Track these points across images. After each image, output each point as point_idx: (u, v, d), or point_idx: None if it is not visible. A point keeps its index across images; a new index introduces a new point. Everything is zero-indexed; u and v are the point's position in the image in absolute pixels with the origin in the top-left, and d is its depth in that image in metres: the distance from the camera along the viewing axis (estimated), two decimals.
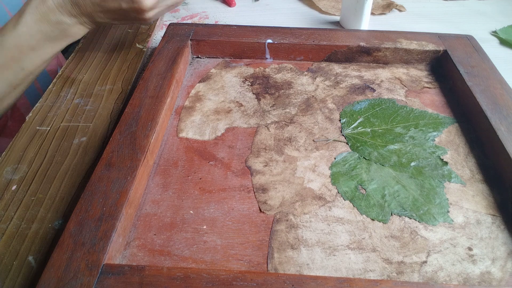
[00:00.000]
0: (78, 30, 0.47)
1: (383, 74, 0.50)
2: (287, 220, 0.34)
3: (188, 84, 0.49)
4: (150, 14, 0.46)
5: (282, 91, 0.48)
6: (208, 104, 0.46)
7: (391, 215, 0.34)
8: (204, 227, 0.34)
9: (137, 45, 0.57)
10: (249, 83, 0.49)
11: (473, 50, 0.49)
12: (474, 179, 0.37)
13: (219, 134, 0.42)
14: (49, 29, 0.44)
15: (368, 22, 0.58)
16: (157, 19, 0.56)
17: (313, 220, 0.34)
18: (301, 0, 0.70)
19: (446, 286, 0.28)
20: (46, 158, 0.41)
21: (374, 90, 0.48)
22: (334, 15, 0.65)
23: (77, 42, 0.57)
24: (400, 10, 0.67)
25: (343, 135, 0.42)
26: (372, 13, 0.65)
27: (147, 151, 0.37)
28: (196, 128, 0.43)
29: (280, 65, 0.52)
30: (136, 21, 0.47)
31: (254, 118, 0.44)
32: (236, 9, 0.68)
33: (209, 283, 0.27)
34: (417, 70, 0.51)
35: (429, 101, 0.46)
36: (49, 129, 0.44)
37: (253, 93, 0.48)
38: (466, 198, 0.36)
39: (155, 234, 0.33)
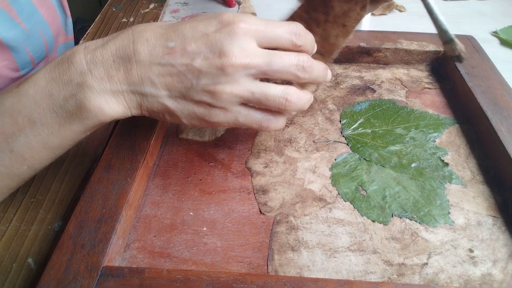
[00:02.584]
0: (107, 109, 0.30)
1: (384, 74, 0.50)
2: (288, 222, 0.34)
3: None
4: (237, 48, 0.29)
5: None
6: None
7: (392, 216, 0.34)
8: (204, 228, 0.34)
9: None
10: None
11: (473, 50, 0.49)
12: (475, 180, 0.37)
13: (219, 135, 0.42)
14: (62, 95, 0.29)
15: (368, 22, 0.58)
16: None
17: (314, 221, 0.34)
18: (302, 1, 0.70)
19: None
20: None
21: (375, 91, 0.48)
22: None
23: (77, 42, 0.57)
24: (400, 11, 0.67)
25: (343, 136, 0.42)
26: (372, 14, 0.65)
27: (146, 153, 0.36)
28: (196, 129, 0.43)
29: None
30: (218, 68, 0.29)
31: None
32: (236, 9, 0.68)
33: (209, 285, 0.27)
34: (417, 70, 0.51)
35: (430, 101, 0.46)
36: None
37: None
38: (467, 200, 0.36)
39: (155, 236, 0.33)
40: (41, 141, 0.30)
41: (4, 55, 0.41)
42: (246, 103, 0.31)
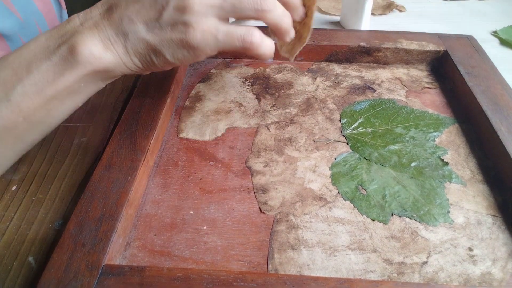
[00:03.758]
0: (97, 53, 0.31)
1: (384, 74, 0.50)
2: (288, 221, 0.34)
3: (188, 84, 0.49)
4: (199, 27, 0.32)
5: (282, 91, 0.48)
6: (208, 105, 0.46)
7: (392, 215, 0.34)
8: (205, 227, 0.34)
9: None
10: (249, 83, 0.49)
11: (473, 50, 0.49)
12: (474, 180, 0.37)
13: (219, 134, 0.42)
14: (57, 44, 0.31)
15: (368, 22, 0.58)
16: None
17: (314, 220, 0.34)
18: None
19: (446, 286, 0.28)
20: (46, 159, 0.41)
21: (375, 91, 0.48)
22: (335, 15, 0.65)
23: None
24: (400, 11, 0.67)
25: (343, 135, 0.42)
26: (372, 14, 0.65)
27: (147, 152, 0.36)
28: (196, 128, 0.43)
29: (280, 65, 0.52)
30: (179, 34, 0.32)
31: (254, 119, 0.44)
32: None
33: (209, 283, 0.27)
34: (417, 70, 0.51)
35: (430, 101, 0.46)
36: None
37: (253, 93, 0.48)
38: (467, 199, 0.36)
39: (155, 235, 0.33)
40: (37, 90, 0.31)
41: (0, 44, 0.41)
42: (222, 16, 0.32)
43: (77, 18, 0.33)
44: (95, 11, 0.33)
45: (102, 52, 0.32)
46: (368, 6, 0.56)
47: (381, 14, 0.65)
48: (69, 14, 0.57)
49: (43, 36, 0.32)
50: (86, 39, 0.31)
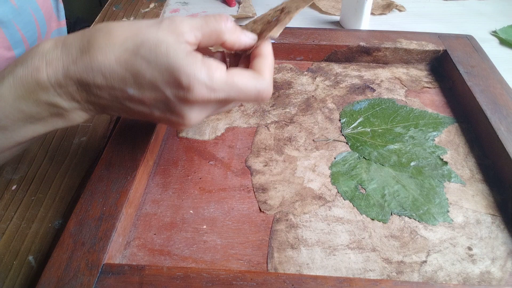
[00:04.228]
0: (76, 117, 0.31)
1: (383, 74, 0.50)
2: (287, 220, 0.34)
3: None
4: (193, 114, 0.30)
5: (282, 91, 0.48)
6: None
7: (391, 214, 0.34)
8: (204, 226, 0.34)
9: None
10: None
11: (473, 50, 0.49)
12: (474, 179, 0.37)
13: (219, 134, 0.42)
14: (35, 111, 0.29)
15: (368, 22, 0.58)
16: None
17: (313, 219, 0.34)
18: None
19: (446, 285, 0.28)
20: (46, 158, 0.41)
21: (374, 90, 0.48)
22: (334, 15, 0.65)
23: None
24: (400, 10, 0.67)
25: (343, 135, 0.42)
26: (372, 13, 0.65)
27: (147, 151, 0.37)
28: (196, 128, 0.43)
29: (280, 65, 0.52)
30: (171, 117, 0.30)
31: (254, 118, 0.44)
32: (236, 9, 0.68)
33: (209, 282, 0.27)
34: (417, 70, 0.51)
35: (429, 101, 0.46)
36: None
37: None
38: (466, 198, 0.36)
39: (155, 234, 0.33)
40: (12, 140, 0.31)
41: None
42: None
43: (47, 79, 0.28)
44: (69, 77, 0.29)
45: (85, 117, 0.31)
46: (368, 6, 0.56)
47: (380, 14, 0.66)
48: (65, 7, 0.58)
49: (8, 94, 0.29)
50: (71, 113, 0.30)
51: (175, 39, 0.28)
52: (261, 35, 0.33)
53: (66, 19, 0.58)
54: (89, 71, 0.28)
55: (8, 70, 0.29)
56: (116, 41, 0.28)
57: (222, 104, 0.32)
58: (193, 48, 0.29)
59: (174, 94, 0.28)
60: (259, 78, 0.30)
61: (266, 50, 0.32)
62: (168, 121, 0.31)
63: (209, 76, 0.28)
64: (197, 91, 0.28)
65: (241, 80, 0.29)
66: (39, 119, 0.30)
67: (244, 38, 0.32)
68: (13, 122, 0.29)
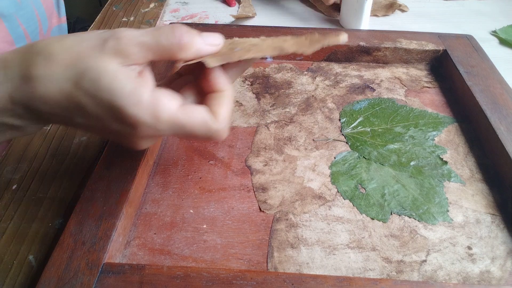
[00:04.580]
0: (32, 129, 0.30)
1: (383, 73, 0.50)
2: (287, 219, 0.34)
3: None
4: (142, 144, 0.30)
5: (282, 90, 0.48)
6: None
7: (391, 214, 0.34)
8: (204, 226, 0.34)
9: None
10: (249, 83, 0.49)
11: (472, 50, 0.49)
12: (473, 179, 0.37)
13: None
14: None
15: (368, 21, 0.58)
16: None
17: (313, 219, 0.34)
18: (303, 2, 0.70)
19: (445, 285, 0.28)
20: (47, 158, 0.41)
21: (374, 90, 0.48)
22: (335, 15, 0.65)
23: None
24: (403, 11, 0.67)
25: (343, 134, 0.42)
26: (375, 15, 0.65)
27: (147, 151, 0.37)
28: None
29: (280, 65, 0.52)
30: (122, 143, 0.30)
31: (254, 118, 0.44)
32: (236, 9, 0.68)
33: (209, 282, 0.27)
34: (416, 69, 0.51)
35: (429, 100, 0.46)
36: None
37: (253, 93, 0.48)
38: (466, 197, 0.36)
39: (155, 233, 0.33)
40: None
41: None
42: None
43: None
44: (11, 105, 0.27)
45: (37, 127, 0.30)
46: (368, 6, 0.56)
47: (384, 15, 0.65)
48: (65, 6, 0.58)
49: None
50: (26, 128, 0.30)
51: (120, 64, 0.26)
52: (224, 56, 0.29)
53: (67, 18, 0.59)
54: (33, 100, 0.27)
55: None
56: (57, 70, 0.26)
57: (169, 135, 0.30)
58: (141, 69, 0.27)
59: (120, 128, 0.28)
60: (212, 121, 0.28)
61: (224, 84, 0.29)
62: (122, 144, 0.30)
63: (155, 118, 0.26)
64: (142, 131, 0.27)
65: (190, 122, 0.28)
66: None
67: (206, 48, 0.29)
68: None
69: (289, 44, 0.32)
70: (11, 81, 0.27)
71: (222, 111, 0.29)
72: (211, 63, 0.28)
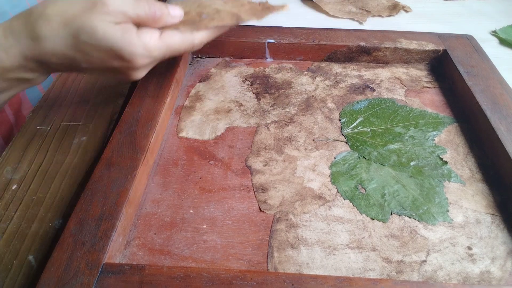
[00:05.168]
0: (42, 79, 0.38)
1: (383, 73, 0.50)
2: (287, 220, 0.34)
3: (188, 84, 0.49)
4: (139, 74, 0.37)
5: (282, 90, 0.48)
6: (208, 104, 0.46)
7: (391, 214, 0.34)
8: (204, 226, 0.34)
9: None
10: (249, 83, 0.49)
11: (473, 50, 0.49)
12: (473, 179, 0.37)
13: (219, 133, 0.42)
14: (6, 85, 0.36)
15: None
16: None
17: (313, 219, 0.34)
18: (306, 3, 0.70)
19: (445, 285, 0.28)
20: (46, 158, 0.41)
21: (374, 90, 0.48)
22: (343, 18, 0.65)
23: None
24: (406, 11, 0.67)
25: (343, 134, 0.42)
26: (379, 15, 0.65)
27: (147, 151, 0.37)
28: (196, 127, 0.43)
29: (280, 65, 0.52)
30: (122, 77, 0.38)
31: (254, 118, 0.44)
32: None
33: (209, 282, 0.27)
34: (417, 69, 0.51)
35: (429, 100, 0.46)
36: (49, 129, 0.44)
37: (253, 93, 0.48)
38: (466, 198, 0.36)
39: (155, 234, 0.33)
40: None
41: None
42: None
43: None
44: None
45: (46, 77, 0.38)
46: None
47: (388, 16, 0.65)
48: None
49: None
50: (38, 78, 0.37)
51: (109, 21, 0.33)
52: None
53: None
54: (43, 55, 0.33)
55: None
56: (58, 28, 0.33)
57: (161, 59, 0.38)
58: (126, 21, 0.34)
59: (120, 65, 0.35)
60: (189, 38, 0.37)
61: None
62: (120, 79, 0.40)
63: (146, 48, 0.34)
64: (138, 61, 0.35)
65: (172, 41, 0.36)
66: (10, 88, 0.37)
67: (171, 20, 0.37)
68: None
69: (245, 10, 0.39)
70: (22, 42, 0.33)
71: (199, 32, 0.37)
72: (183, 31, 0.37)
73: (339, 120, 0.44)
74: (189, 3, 0.39)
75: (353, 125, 0.43)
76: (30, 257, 0.32)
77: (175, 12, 0.37)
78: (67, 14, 0.33)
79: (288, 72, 0.51)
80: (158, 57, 0.36)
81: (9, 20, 0.34)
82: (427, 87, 0.48)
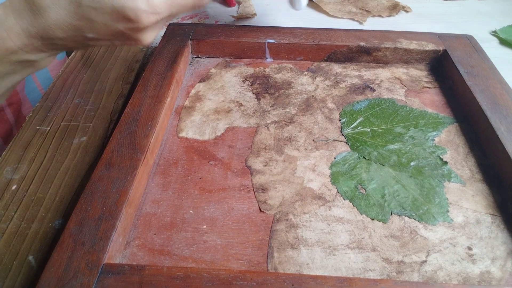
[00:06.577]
0: (46, 62, 0.37)
1: (383, 74, 0.50)
2: (287, 220, 0.34)
3: (188, 84, 0.49)
4: (147, 36, 0.36)
5: (282, 91, 0.48)
6: (208, 104, 0.46)
7: (391, 214, 0.34)
8: (204, 226, 0.34)
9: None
10: (249, 83, 0.49)
11: (473, 50, 0.49)
12: (473, 179, 0.37)
13: (219, 134, 0.42)
14: (9, 68, 0.35)
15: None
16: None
17: (313, 219, 0.34)
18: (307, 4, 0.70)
19: (445, 285, 0.28)
20: (46, 158, 0.41)
21: (374, 90, 0.48)
22: (343, 18, 0.65)
23: None
24: (406, 11, 0.67)
25: (343, 134, 0.42)
26: (379, 16, 0.65)
27: (147, 151, 0.37)
28: (196, 127, 0.43)
29: (280, 65, 0.52)
30: (130, 42, 0.37)
31: (254, 118, 0.44)
32: (236, 9, 0.68)
33: (209, 282, 0.27)
34: (417, 70, 0.51)
35: (429, 101, 0.46)
36: (49, 129, 0.44)
37: (253, 93, 0.48)
38: (466, 198, 0.36)
39: (155, 234, 0.33)
40: None
41: None
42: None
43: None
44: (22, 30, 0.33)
45: (51, 58, 0.37)
46: None
47: (388, 16, 0.65)
48: None
49: None
50: (42, 60, 0.36)
51: None
52: None
53: None
54: (47, 28, 0.32)
55: None
56: None
57: (169, 18, 0.36)
58: None
59: (126, 27, 0.33)
60: None
61: None
62: (129, 45, 0.39)
63: (150, 4, 0.33)
64: (143, 18, 0.33)
65: None
66: (14, 73, 0.36)
67: None
68: None
69: None
70: (24, 18, 0.32)
71: None
72: None
73: (339, 120, 0.44)
74: None
75: (353, 125, 0.43)
76: (30, 257, 0.32)
77: None
78: None
79: (288, 72, 0.51)
80: (164, 13, 0.34)
81: None
82: (427, 87, 0.48)
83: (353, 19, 0.64)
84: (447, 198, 0.36)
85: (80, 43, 0.35)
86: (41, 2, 0.32)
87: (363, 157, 0.39)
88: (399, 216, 0.34)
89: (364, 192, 0.36)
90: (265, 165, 0.39)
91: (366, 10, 0.66)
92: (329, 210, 0.35)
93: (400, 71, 0.51)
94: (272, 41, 0.51)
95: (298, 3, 0.52)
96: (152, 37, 0.36)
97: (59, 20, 0.32)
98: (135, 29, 0.34)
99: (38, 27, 0.32)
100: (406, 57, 0.51)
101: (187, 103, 0.46)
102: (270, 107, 0.46)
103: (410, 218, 0.34)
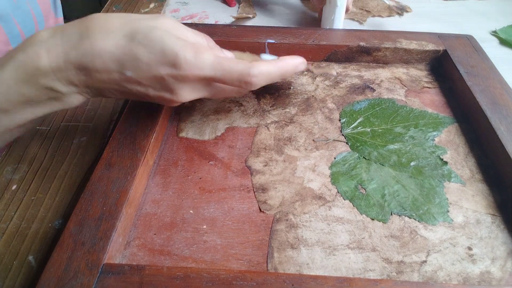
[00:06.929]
0: (73, 100, 0.34)
1: (383, 74, 0.50)
2: (287, 220, 0.34)
3: None
4: (184, 92, 0.34)
5: (282, 91, 0.48)
6: (208, 104, 0.46)
7: (391, 214, 0.34)
8: (204, 226, 0.34)
9: None
10: None
11: (473, 50, 0.49)
12: (474, 179, 0.37)
13: (219, 134, 0.42)
14: (34, 94, 0.31)
15: (341, 25, 0.57)
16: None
17: (313, 219, 0.34)
18: (306, 4, 0.70)
19: (445, 285, 0.28)
20: (46, 158, 0.41)
21: (374, 90, 0.48)
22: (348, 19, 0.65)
23: None
24: (406, 11, 0.67)
25: (343, 135, 0.42)
26: (379, 16, 0.65)
27: (147, 151, 0.37)
28: (196, 127, 0.43)
29: None
30: (165, 94, 0.34)
31: (254, 118, 0.44)
32: (236, 9, 0.68)
33: (209, 282, 0.27)
34: (417, 70, 0.51)
35: (429, 101, 0.46)
36: (50, 129, 0.44)
37: (253, 93, 0.48)
38: (466, 198, 0.36)
39: (155, 234, 0.33)
40: (13, 122, 0.33)
41: None
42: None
43: (48, 64, 0.30)
44: (69, 61, 0.31)
45: (80, 98, 0.34)
46: (339, 12, 0.55)
47: (389, 16, 0.65)
48: (65, 6, 0.58)
49: (8, 75, 0.31)
50: (69, 97, 0.33)
51: (169, 28, 0.32)
52: None
53: (66, 18, 0.59)
54: (89, 55, 0.31)
55: (8, 57, 0.31)
56: (114, 28, 0.31)
57: (210, 84, 0.35)
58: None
59: (167, 72, 0.32)
60: (247, 64, 0.33)
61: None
62: (162, 99, 0.34)
63: (197, 56, 0.32)
64: (186, 68, 0.32)
65: (228, 60, 0.33)
66: (38, 102, 0.32)
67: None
68: (14, 105, 0.32)
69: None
70: (69, 41, 0.31)
71: (259, 63, 0.34)
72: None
73: (339, 120, 0.44)
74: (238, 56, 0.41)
75: (353, 125, 0.43)
76: (30, 257, 0.32)
77: (228, 54, 0.38)
78: (127, 18, 0.32)
79: None
80: (207, 70, 0.32)
81: (66, 24, 0.32)
82: (427, 87, 0.48)
83: (353, 19, 0.64)
84: (447, 198, 0.36)
85: (114, 82, 0.32)
86: (93, 27, 0.31)
87: (363, 157, 0.39)
88: (399, 216, 0.34)
89: (364, 192, 0.36)
90: (265, 165, 0.39)
91: (366, 10, 0.66)
92: (329, 210, 0.35)
93: (400, 71, 0.51)
94: (272, 41, 0.51)
95: (333, 22, 0.55)
96: (188, 95, 0.34)
97: (104, 49, 0.31)
98: (176, 77, 0.32)
99: (79, 52, 0.31)
100: (406, 57, 0.51)
101: (187, 103, 0.46)
102: (270, 107, 0.46)
103: (410, 218, 0.34)
